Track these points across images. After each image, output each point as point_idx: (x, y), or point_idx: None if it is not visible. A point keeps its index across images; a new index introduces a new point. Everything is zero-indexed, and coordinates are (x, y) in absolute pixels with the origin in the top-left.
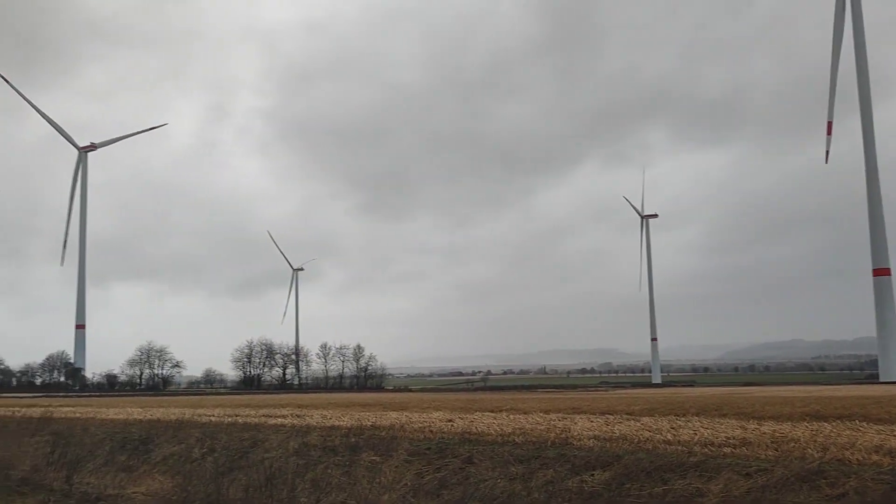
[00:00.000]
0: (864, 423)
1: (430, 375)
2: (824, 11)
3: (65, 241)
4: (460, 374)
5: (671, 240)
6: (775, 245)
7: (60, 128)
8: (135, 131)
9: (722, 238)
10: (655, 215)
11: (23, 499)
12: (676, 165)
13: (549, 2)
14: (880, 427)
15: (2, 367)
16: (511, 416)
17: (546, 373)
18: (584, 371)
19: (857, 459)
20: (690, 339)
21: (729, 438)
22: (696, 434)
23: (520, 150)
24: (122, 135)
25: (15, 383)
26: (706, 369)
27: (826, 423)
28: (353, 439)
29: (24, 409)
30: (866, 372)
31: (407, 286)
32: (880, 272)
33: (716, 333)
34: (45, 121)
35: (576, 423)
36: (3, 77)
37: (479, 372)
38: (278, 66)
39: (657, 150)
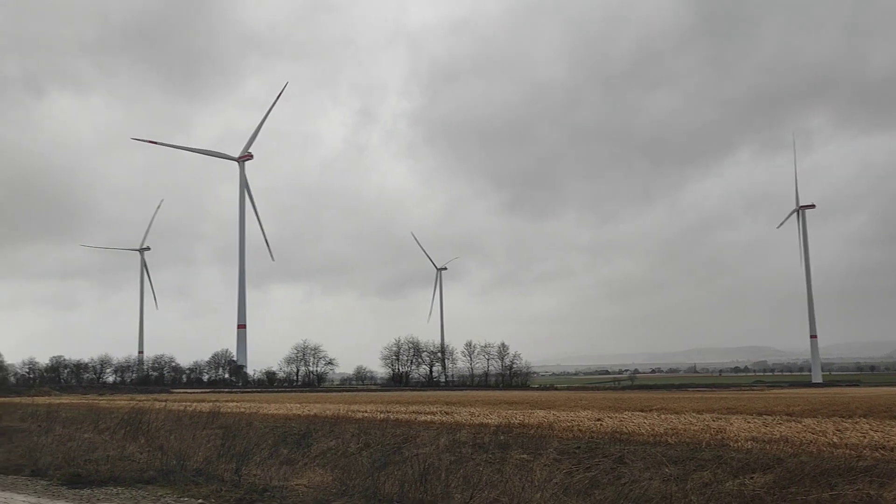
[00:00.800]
0: None
1: (576, 374)
2: None
3: (266, 241)
4: (606, 372)
5: (834, 231)
6: None
7: (214, 151)
8: (267, 109)
9: (890, 229)
10: (813, 206)
11: (198, 488)
12: (840, 152)
13: None
14: None
15: (173, 364)
16: (662, 416)
17: (696, 371)
18: (736, 370)
19: None
20: (854, 337)
21: None
22: (865, 437)
23: (667, 142)
24: (259, 125)
25: (185, 380)
26: (872, 368)
27: None
28: (502, 437)
29: (194, 404)
30: None
31: (551, 284)
32: None
33: (883, 330)
34: (199, 151)
35: (731, 424)
36: (151, 141)
37: (626, 370)
38: (424, 68)
39: (818, 137)
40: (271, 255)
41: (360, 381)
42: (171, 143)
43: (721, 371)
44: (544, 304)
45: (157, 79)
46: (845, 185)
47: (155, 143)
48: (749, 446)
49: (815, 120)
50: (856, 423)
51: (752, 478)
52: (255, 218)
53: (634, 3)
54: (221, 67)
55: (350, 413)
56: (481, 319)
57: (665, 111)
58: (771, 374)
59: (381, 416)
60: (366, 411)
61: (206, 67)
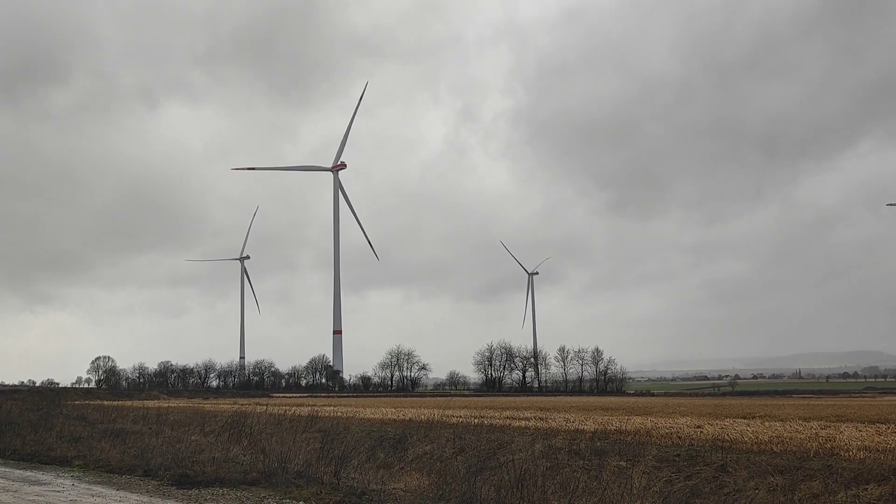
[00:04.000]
0: None
1: (673, 379)
2: None
3: (369, 243)
4: (705, 378)
5: None
6: None
7: (307, 166)
8: (352, 115)
9: None
10: None
11: (299, 490)
12: None
13: None
14: None
15: (273, 369)
16: (766, 424)
17: (801, 377)
18: (845, 375)
19: None
20: None
21: None
22: None
23: (782, 136)
24: (346, 130)
25: (284, 384)
26: None
27: None
28: (598, 443)
29: (293, 409)
30: None
31: (652, 287)
32: None
33: None
34: (295, 167)
35: (841, 433)
36: (249, 168)
37: (726, 376)
38: (528, 64)
39: None
40: (376, 256)
41: (454, 386)
42: (267, 167)
43: (828, 377)
44: (644, 306)
45: (265, 86)
46: None
47: (253, 168)
48: (862, 456)
49: None
50: None
51: (866, 489)
52: (356, 223)
53: None
54: (327, 72)
55: (444, 418)
56: (579, 323)
57: (782, 103)
58: (883, 380)
59: (476, 421)
60: (460, 416)
61: (311, 72)
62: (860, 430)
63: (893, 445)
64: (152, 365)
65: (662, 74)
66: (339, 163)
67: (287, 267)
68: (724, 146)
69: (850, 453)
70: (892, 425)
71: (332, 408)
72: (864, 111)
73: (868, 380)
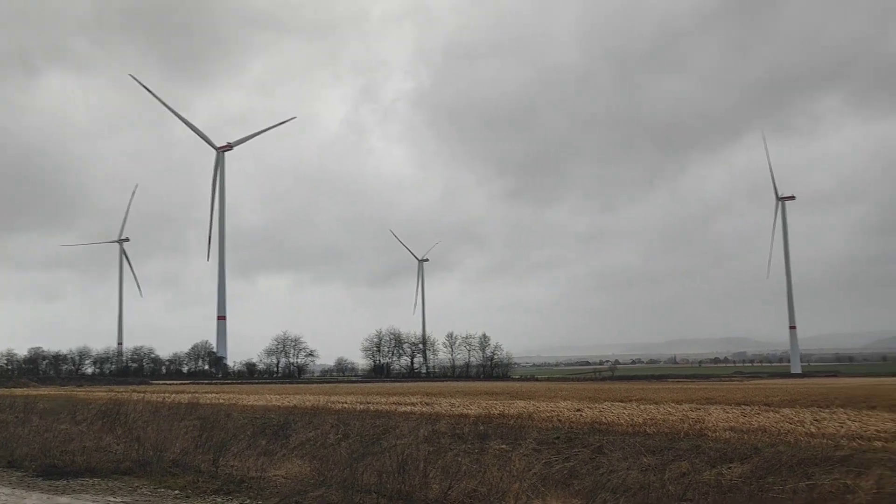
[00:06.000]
0: None
1: (557, 365)
2: None
3: (209, 237)
4: (587, 363)
5: (838, 219)
6: None
7: (199, 131)
8: (265, 128)
9: (890, 219)
10: (792, 197)
11: (175, 479)
12: (851, 138)
13: None
14: None
15: (153, 356)
16: (641, 407)
17: (676, 362)
18: (716, 360)
19: None
20: (836, 327)
21: (880, 432)
22: (842, 427)
23: (675, 128)
24: (255, 132)
25: (164, 371)
26: (850, 359)
27: None
28: (481, 427)
29: (173, 395)
30: None
31: (545, 274)
32: None
33: (865, 320)
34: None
35: (710, 414)
36: (143, 86)
37: (607, 361)
38: (432, 47)
39: (828, 121)
40: (208, 255)
41: (342, 373)
42: (164, 102)
43: (701, 362)
44: (535, 293)
45: (156, 58)
46: (851, 172)
47: (148, 90)
48: (727, 436)
49: (827, 104)
50: (833, 413)
51: (729, 468)
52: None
53: None
54: (223, 46)
55: (329, 404)
56: (474, 309)
57: (678, 96)
58: (750, 364)
59: (361, 407)
60: (345, 402)
61: (207, 45)
62: (727, 412)
63: (756, 426)
64: (22, 352)
65: (565, 64)
66: (227, 144)
67: (175, 250)
68: (621, 137)
69: (717, 434)
70: (756, 407)
71: (214, 395)
72: (752, 106)
73: (737, 364)
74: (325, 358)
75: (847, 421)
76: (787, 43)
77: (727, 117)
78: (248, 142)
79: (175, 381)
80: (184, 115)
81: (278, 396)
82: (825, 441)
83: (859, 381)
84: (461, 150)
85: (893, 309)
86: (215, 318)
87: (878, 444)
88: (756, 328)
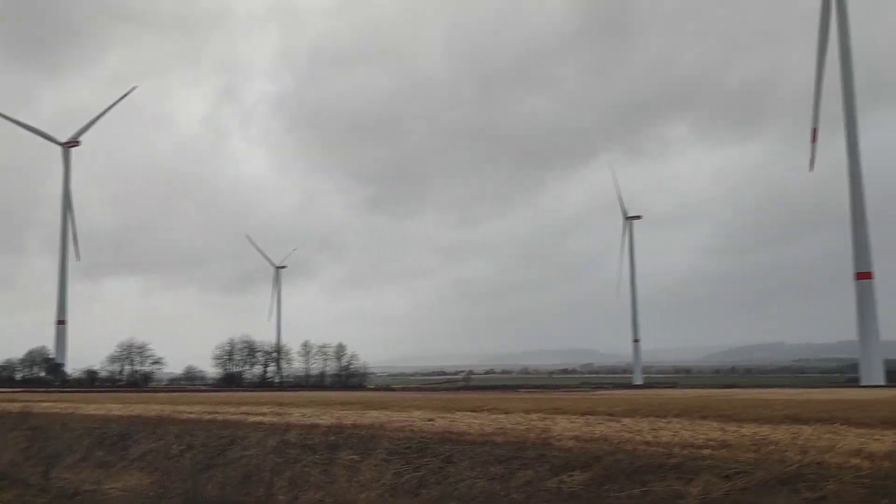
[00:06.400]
0: (845, 427)
1: (413, 375)
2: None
3: (70, 237)
4: (443, 373)
5: (681, 239)
6: (779, 247)
7: (38, 129)
8: (105, 108)
9: (729, 240)
10: (639, 217)
11: (0, 493)
12: (695, 163)
13: None
14: (860, 431)
15: None
16: (492, 416)
17: (528, 373)
18: (565, 371)
19: (837, 463)
20: (676, 341)
21: (709, 440)
22: (676, 435)
23: (535, 145)
24: (96, 116)
25: None
26: (688, 371)
27: (806, 427)
28: (332, 438)
29: (2, 405)
30: (847, 375)
31: (404, 284)
32: (863, 276)
33: (701, 335)
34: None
35: (556, 424)
36: None
37: (462, 371)
38: (297, 50)
39: (676, 146)
40: (77, 254)
41: (190, 382)
42: None
43: (551, 373)
44: (393, 303)
45: (3, 47)
46: (694, 195)
47: None
48: (571, 445)
49: (676, 129)
50: (669, 422)
51: (571, 475)
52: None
53: (522, 3)
54: (77, 36)
55: (175, 414)
56: (332, 317)
57: (540, 114)
58: (597, 375)
59: (209, 416)
60: (192, 412)
61: (58, 35)
62: (572, 422)
63: (598, 435)
64: None
65: (431, 76)
66: (74, 140)
67: (14, 250)
68: (483, 151)
69: (562, 442)
70: (600, 416)
71: (49, 403)
72: (607, 128)
73: (585, 375)
74: (174, 366)
75: (681, 430)
76: (642, 69)
77: (585, 137)
78: (101, 140)
79: (6, 390)
80: (29, 107)
81: (120, 405)
82: (660, 449)
83: (694, 392)
84: (322, 157)
85: (726, 325)
86: (54, 322)
87: (707, 451)
88: (604, 341)
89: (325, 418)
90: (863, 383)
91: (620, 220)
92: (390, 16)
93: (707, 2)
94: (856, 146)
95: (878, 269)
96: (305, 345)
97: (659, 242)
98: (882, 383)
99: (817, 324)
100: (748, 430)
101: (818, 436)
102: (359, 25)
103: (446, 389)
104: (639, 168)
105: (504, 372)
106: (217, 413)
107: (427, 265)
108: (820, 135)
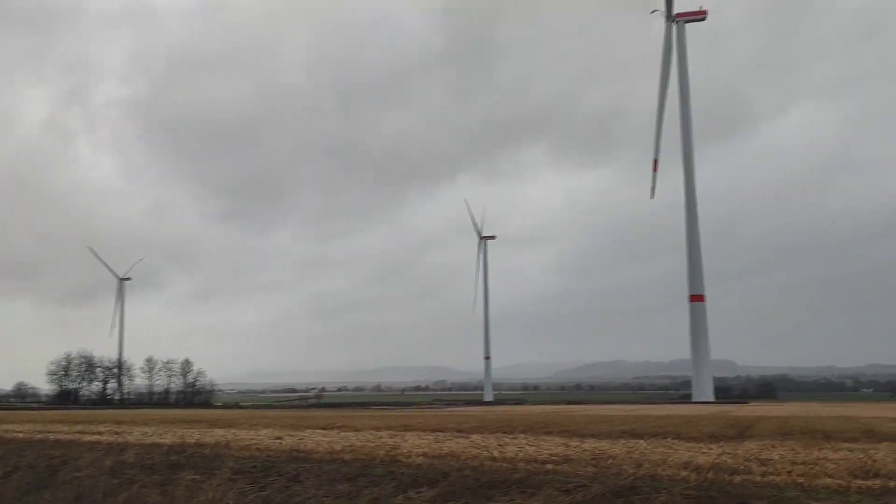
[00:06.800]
0: (676, 441)
1: (263, 392)
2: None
3: None
4: (294, 390)
5: (533, 260)
6: (622, 270)
7: None
8: None
9: (576, 260)
10: (493, 237)
11: None
12: (549, 185)
13: (452, 16)
14: (690, 444)
15: None
16: (342, 434)
17: (381, 390)
18: (418, 388)
19: (668, 475)
20: (526, 358)
21: (552, 455)
22: (521, 451)
23: (396, 162)
24: None
25: None
26: (536, 388)
27: (642, 441)
28: (174, 457)
29: None
30: (681, 392)
31: (258, 299)
32: (695, 298)
33: (549, 353)
34: None
35: (406, 441)
36: None
37: (314, 389)
38: (153, 53)
39: (531, 169)
40: None
41: (21, 399)
42: None
43: (404, 390)
44: (247, 318)
45: None
46: (546, 218)
47: None
48: (420, 462)
49: (531, 153)
50: (515, 438)
51: (418, 492)
52: None
53: (390, 21)
54: None
55: (2, 433)
56: (179, 332)
57: (400, 132)
58: (449, 392)
59: (39, 436)
60: (20, 431)
61: None
62: (422, 438)
63: (447, 451)
64: None
65: (293, 87)
66: None
67: None
68: (344, 167)
69: (411, 459)
70: (450, 433)
71: None
72: (467, 148)
73: (437, 392)
74: (3, 382)
75: (526, 445)
76: (501, 93)
77: (445, 156)
78: None
79: None
80: None
81: None
82: (505, 464)
83: (541, 408)
84: (177, 166)
85: (573, 343)
86: None
87: (550, 466)
88: (457, 358)
89: (168, 437)
90: (694, 399)
91: (476, 239)
92: (252, 22)
93: (564, 32)
94: (692, 177)
95: (709, 292)
96: (150, 360)
97: (512, 262)
98: (711, 399)
99: (655, 343)
100: (589, 444)
101: (652, 449)
102: (219, 30)
103: (297, 407)
104: (496, 189)
105: (357, 389)
106: (49, 432)
107: (282, 279)
108: (660, 165)
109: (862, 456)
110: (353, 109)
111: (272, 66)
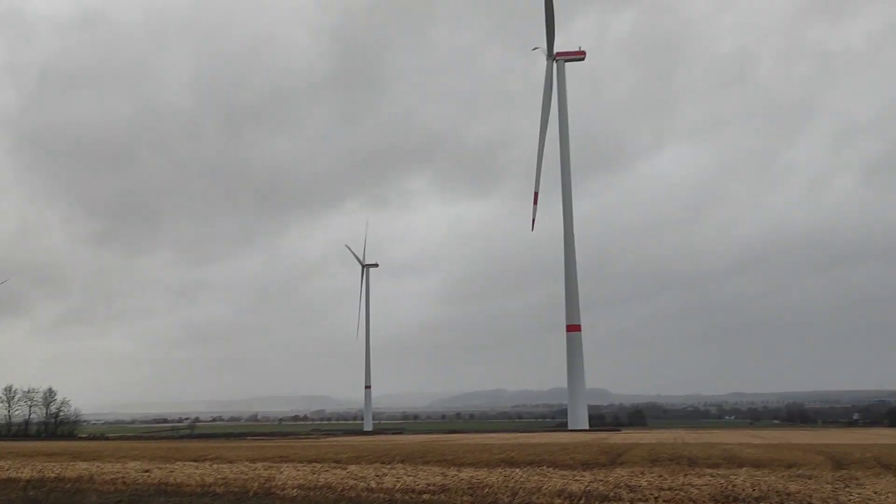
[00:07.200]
0: (551, 469)
1: (133, 422)
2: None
3: None
4: (166, 420)
5: (416, 288)
6: (502, 299)
7: None
8: None
9: (458, 289)
10: (376, 265)
11: None
12: (434, 214)
13: (342, 41)
14: (564, 472)
15: None
16: (215, 466)
17: (258, 420)
18: (296, 418)
19: (543, 503)
20: (407, 387)
21: (430, 485)
22: (398, 481)
23: (279, 187)
24: None
25: None
26: (416, 417)
27: (518, 469)
28: (32, 493)
29: None
30: (557, 420)
31: (129, 325)
32: (572, 328)
33: (430, 381)
34: None
35: (282, 472)
36: None
37: (187, 419)
38: (24, 65)
39: (417, 198)
40: None
41: None
42: None
43: (281, 420)
44: (117, 345)
45: None
46: (430, 246)
47: None
48: (295, 494)
49: (417, 181)
50: (393, 468)
51: None
52: None
53: (277, 42)
54: None
55: None
56: (44, 359)
57: (283, 156)
58: (328, 422)
59: None
60: None
61: None
62: (298, 470)
63: (323, 483)
64: None
65: (172, 106)
66: None
67: None
68: (224, 190)
69: (286, 492)
70: (327, 464)
71: None
72: (353, 176)
73: (316, 422)
74: None
75: (404, 475)
76: (388, 121)
77: (330, 182)
78: None
79: None
80: None
81: None
82: (383, 495)
83: (420, 437)
84: (44, 184)
85: (453, 372)
86: None
87: (427, 496)
88: (338, 387)
89: (26, 471)
90: (570, 427)
91: (359, 267)
92: (133, 38)
93: (451, 63)
94: (570, 210)
95: (584, 321)
96: (8, 389)
97: (395, 290)
98: (586, 427)
99: (533, 372)
100: (466, 473)
101: (527, 477)
102: (97, 46)
103: (169, 438)
104: (381, 216)
105: (233, 419)
106: None
107: (157, 305)
108: (540, 198)
109: (723, 481)
110: (236, 131)
111: (152, 84)
